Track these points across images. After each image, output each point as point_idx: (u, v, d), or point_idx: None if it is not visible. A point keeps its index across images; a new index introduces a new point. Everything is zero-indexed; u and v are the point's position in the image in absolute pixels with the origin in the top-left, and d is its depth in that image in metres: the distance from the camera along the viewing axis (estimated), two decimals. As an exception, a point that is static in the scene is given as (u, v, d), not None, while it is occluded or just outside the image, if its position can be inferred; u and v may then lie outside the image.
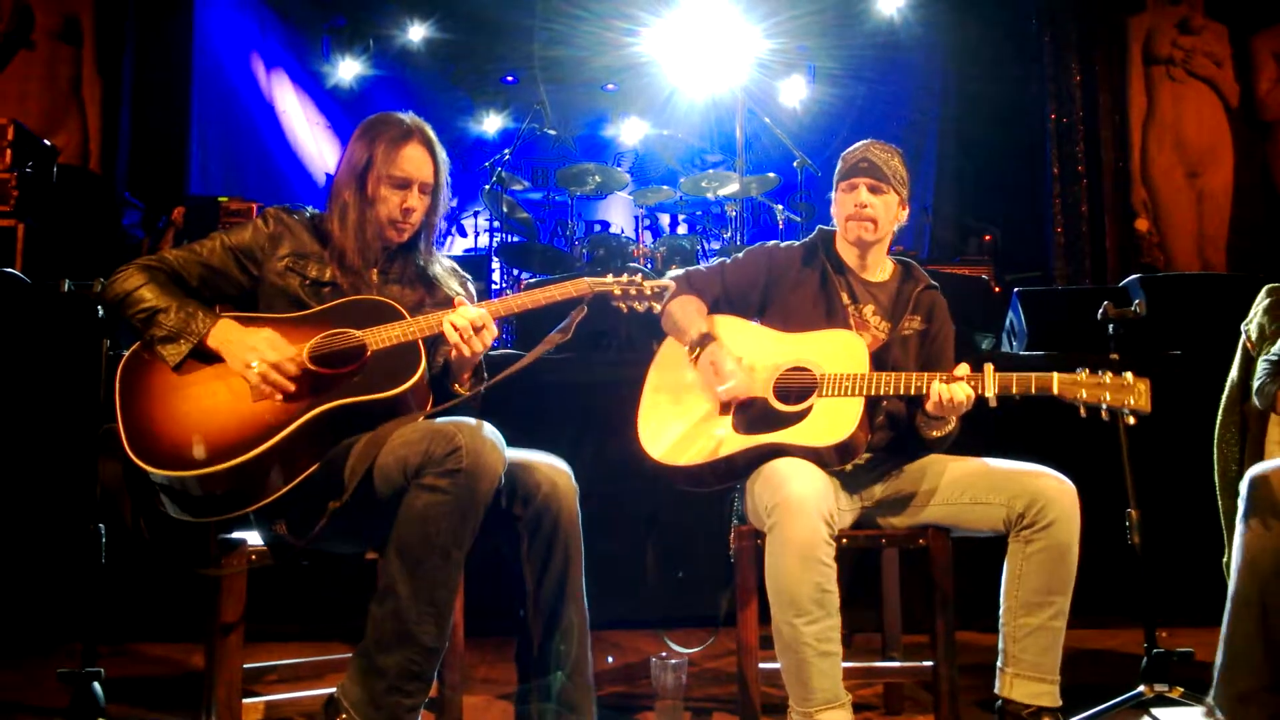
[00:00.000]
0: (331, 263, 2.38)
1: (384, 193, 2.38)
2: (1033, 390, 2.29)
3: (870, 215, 2.62)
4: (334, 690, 2.07)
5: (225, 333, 2.21)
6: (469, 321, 2.25)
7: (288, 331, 2.24)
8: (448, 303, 2.42)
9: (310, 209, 2.50)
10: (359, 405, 2.16)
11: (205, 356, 2.20)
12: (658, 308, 2.48)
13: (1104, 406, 2.23)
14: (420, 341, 2.25)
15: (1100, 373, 2.26)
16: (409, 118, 2.45)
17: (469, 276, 2.64)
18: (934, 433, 2.49)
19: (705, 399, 2.56)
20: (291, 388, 2.15)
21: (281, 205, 2.48)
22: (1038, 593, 2.33)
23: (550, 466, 2.30)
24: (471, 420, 2.12)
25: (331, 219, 2.41)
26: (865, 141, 2.70)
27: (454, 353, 2.28)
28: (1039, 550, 2.33)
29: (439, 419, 2.17)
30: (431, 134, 2.46)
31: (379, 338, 2.23)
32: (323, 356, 2.22)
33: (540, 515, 2.24)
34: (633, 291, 2.42)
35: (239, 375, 2.17)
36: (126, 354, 2.23)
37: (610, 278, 2.42)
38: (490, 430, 2.12)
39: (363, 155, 2.39)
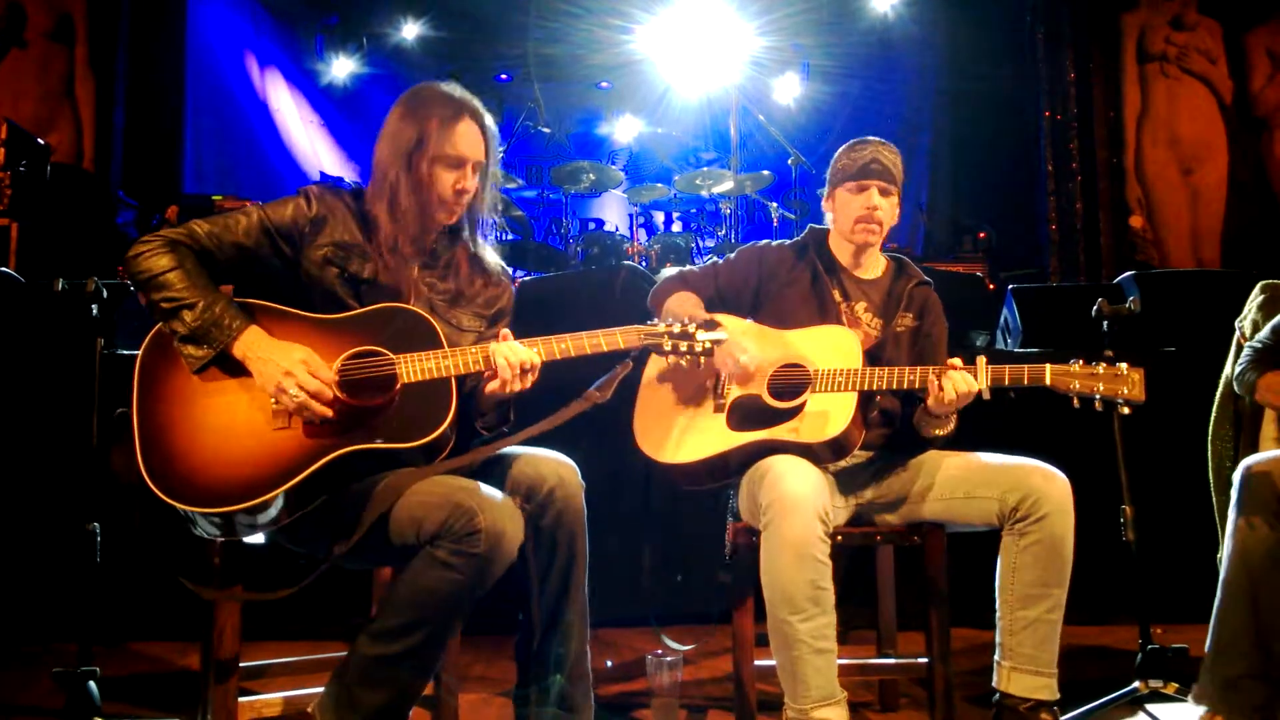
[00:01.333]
0: (374, 254, 2.25)
1: (438, 173, 2.24)
2: (1025, 381, 2.29)
3: (880, 219, 2.62)
4: (310, 708, 2.06)
5: (252, 345, 2.07)
6: (519, 362, 2.13)
7: (318, 340, 2.12)
8: (488, 305, 2.37)
9: (353, 185, 2.35)
10: (382, 450, 2.06)
11: (229, 363, 2.08)
12: (704, 362, 2.29)
13: (1098, 397, 2.24)
14: (453, 379, 2.12)
15: (1094, 363, 2.26)
16: (458, 91, 2.31)
17: (510, 284, 2.49)
18: (935, 431, 2.49)
19: (700, 397, 2.56)
20: (328, 414, 2.05)
21: (323, 184, 2.32)
22: (1033, 585, 2.33)
23: (557, 462, 2.27)
24: (496, 495, 2.04)
25: (378, 202, 2.26)
26: (873, 140, 2.66)
27: (489, 386, 2.16)
28: (1033, 543, 2.33)
29: (462, 478, 2.09)
30: (481, 108, 2.32)
31: (412, 369, 2.09)
32: (351, 383, 2.10)
33: (545, 510, 2.21)
34: (683, 347, 2.23)
35: (262, 390, 2.06)
36: (149, 336, 2.12)
37: (662, 327, 2.23)
38: (510, 505, 2.05)
39: (411, 134, 2.24)
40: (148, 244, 2.13)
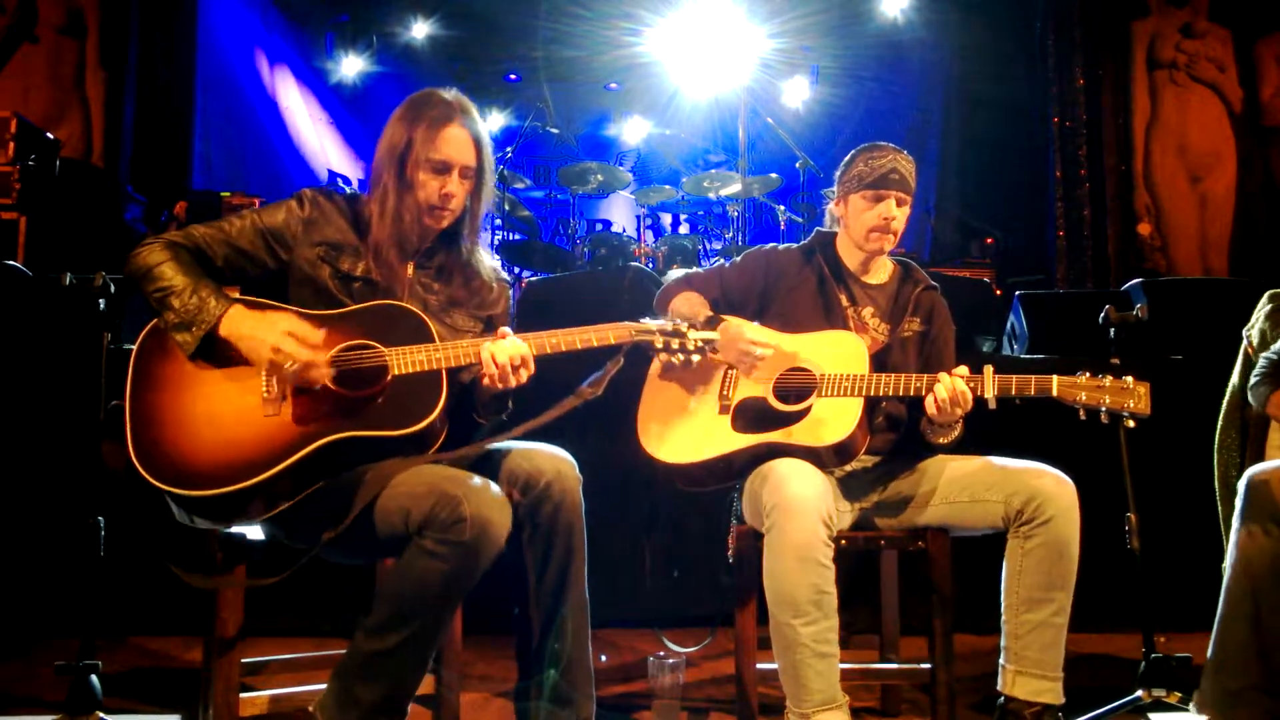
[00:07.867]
0: (367, 254, 2.27)
1: (422, 178, 2.25)
2: (1032, 392, 2.29)
3: (895, 229, 2.60)
4: (311, 707, 2.07)
5: (238, 323, 2.10)
6: (509, 358, 2.14)
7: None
8: (483, 306, 2.37)
9: (349, 190, 2.42)
10: (371, 438, 2.08)
11: (220, 348, 2.11)
12: (696, 360, 2.30)
13: (1103, 409, 2.24)
14: (444, 371, 2.14)
15: (1100, 376, 2.26)
16: (451, 95, 2.32)
17: (510, 282, 2.48)
18: (940, 439, 2.48)
19: (706, 398, 2.56)
20: (326, 377, 2.09)
21: (319, 187, 2.37)
22: (1038, 589, 2.33)
23: (555, 456, 2.26)
24: (478, 481, 2.04)
25: (371, 204, 2.29)
26: (890, 147, 2.62)
27: (485, 380, 2.17)
28: (1038, 546, 2.33)
29: (450, 466, 2.11)
30: (475, 113, 2.32)
31: (403, 360, 2.12)
32: (343, 375, 2.13)
33: (542, 502, 2.19)
34: (675, 344, 2.25)
35: (252, 378, 2.09)
36: (146, 329, 2.16)
37: (654, 325, 2.26)
38: (496, 493, 2.05)
39: (402, 137, 2.26)
40: (145, 245, 2.18)
